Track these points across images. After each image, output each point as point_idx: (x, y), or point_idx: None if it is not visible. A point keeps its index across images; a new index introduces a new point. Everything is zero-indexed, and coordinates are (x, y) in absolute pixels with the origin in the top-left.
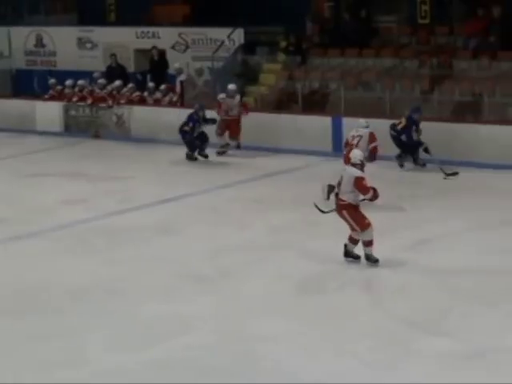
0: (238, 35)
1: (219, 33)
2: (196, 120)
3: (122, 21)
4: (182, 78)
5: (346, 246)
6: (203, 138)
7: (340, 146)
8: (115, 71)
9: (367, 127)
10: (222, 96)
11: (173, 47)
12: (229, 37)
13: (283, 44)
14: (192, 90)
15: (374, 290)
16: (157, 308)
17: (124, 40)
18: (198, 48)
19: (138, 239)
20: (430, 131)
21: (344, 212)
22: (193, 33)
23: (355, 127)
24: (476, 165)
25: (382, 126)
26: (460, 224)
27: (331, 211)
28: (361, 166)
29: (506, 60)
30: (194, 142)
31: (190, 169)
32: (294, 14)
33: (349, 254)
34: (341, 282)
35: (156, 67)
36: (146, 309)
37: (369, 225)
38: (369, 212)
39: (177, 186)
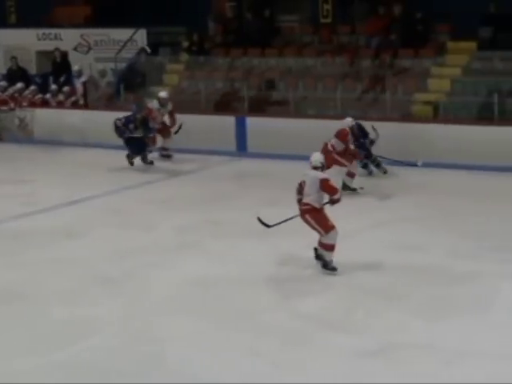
0: (141, 36)
1: (122, 34)
2: (130, 120)
3: (23, 22)
4: (83, 79)
5: (316, 249)
6: (142, 147)
7: (244, 146)
8: (16, 74)
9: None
10: (154, 104)
11: (75, 49)
12: (131, 37)
13: (186, 44)
14: (95, 91)
15: (280, 288)
16: (63, 311)
17: (25, 42)
18: (100, 49)
19: (43, 242)
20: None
21: (307, 216)
22: (95, 34)
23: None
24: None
25: (287, 125)
26: (365, 222)
27: (276, 225)
28: (321, 169)
29: (407, 58)
30: (131, 142)
31: (95, 170)
32: (196, 13)
33: (320, 258)
34: (246, 282)
35: (58, 69)
36: (51, 312)
37: (333, 227)
38: (277, 210)
39: (82, 188)
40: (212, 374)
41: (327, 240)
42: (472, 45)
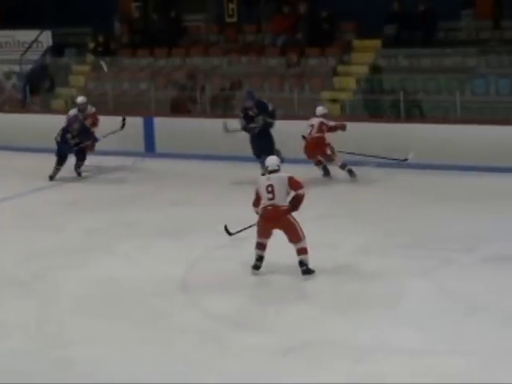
0: (46, 37)
1: (27, 35)
2: (68, 131)
3: None
4: None
5: (301, 263)
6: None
7: (152, 146)
8: None
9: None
10: (73, 112)
11: None
12: (36, 39)
13: (91, 45)
14: (0, 93)
15: (193, 288)
16: None
17: None
18: (5, 51)
19: None
20: None
21: (289, 217)
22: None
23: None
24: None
25: (190, 125)
26: None
27: (239, 232)
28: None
29: (314, 56)
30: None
31: (2, 171)
32: (102, 14)
33: (304, 265)
34: (157, 281)
35: None
36: None
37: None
38: (189, 209)
39: None
40: (124, 375)
41: (304, 243)
42: (377, 43)
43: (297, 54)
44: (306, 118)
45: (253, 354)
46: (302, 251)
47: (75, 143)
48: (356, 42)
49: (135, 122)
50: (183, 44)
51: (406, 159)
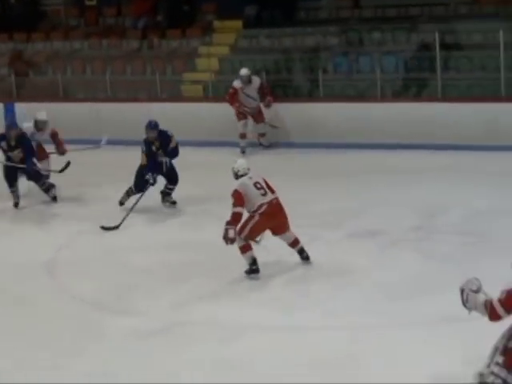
0: None
1: None
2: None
3: None
4: None
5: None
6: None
7: None
8: None
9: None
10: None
11: None
12: None
13: None
14: None
15: (58, 273)
16: None
17: None
18: None
19: None
20: (107, 112)
21: (282, 207)
22: None
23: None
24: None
25: (56, 111)
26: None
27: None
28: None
29: (175, 38)
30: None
31: None
32: None
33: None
34: (24, 268)
35: None
36: None
37: None
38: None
39: None
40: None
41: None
42: (238, 23)
43: (158, 36)
44: (170, 100)
45: (120, 336)
46: (298, 240)
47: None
48: (217, 23)
49: None
50: (43, 28)
51: (99, 145)
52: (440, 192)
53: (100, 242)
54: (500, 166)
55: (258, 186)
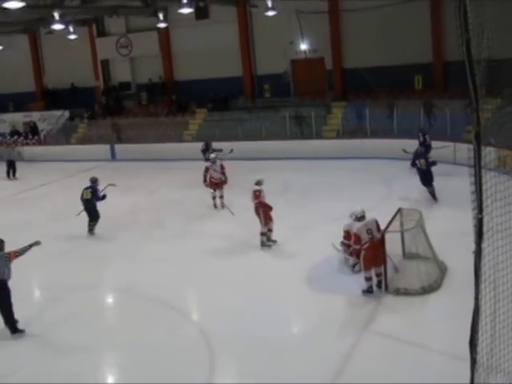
0: None
1: None
2: None
3: None
4: None
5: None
6: None
7: None
8: None
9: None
10: None
11: None
12: None
13: None
14: None
15: None
16: None
17: None
18: None
19: None
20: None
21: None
22: None
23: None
24: None
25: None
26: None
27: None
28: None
29: (180, 116)
30: None
31: None
32: None
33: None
34: None
35: None
36: None
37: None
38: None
39: None
40: None
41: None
42: (205, 110)
43: (172, 114)
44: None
45: None
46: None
47: None
48: (197, 110)
49: None
50: (123, 113)
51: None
52: None
53: None
54: None
55: (369, 231)
